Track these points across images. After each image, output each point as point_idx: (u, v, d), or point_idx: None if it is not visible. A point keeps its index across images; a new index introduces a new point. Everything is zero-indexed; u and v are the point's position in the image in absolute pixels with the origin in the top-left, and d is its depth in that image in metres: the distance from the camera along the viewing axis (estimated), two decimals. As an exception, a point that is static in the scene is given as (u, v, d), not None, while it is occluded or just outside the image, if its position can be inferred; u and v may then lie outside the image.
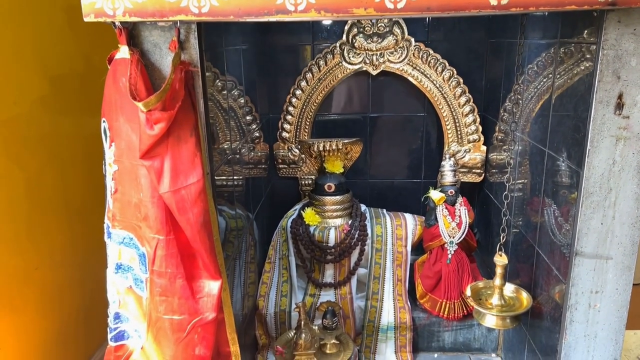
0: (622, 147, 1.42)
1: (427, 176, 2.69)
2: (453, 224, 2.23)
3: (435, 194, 2.27)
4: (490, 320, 1.79)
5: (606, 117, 1.40)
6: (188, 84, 1.43)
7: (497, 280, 1.78)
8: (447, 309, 2.23)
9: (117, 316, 1.58)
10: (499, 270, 1.77)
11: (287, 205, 2.61)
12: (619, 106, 1.39)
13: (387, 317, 2.24)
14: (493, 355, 2.30)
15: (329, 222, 2.37)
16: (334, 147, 2.34)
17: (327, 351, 2.00)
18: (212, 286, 1.53)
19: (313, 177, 2.63)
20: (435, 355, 2.30)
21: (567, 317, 1.59)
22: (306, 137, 2.61)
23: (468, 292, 1.85)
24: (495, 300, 1.80)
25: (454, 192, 2.26)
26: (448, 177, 2.28)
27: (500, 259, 1.75)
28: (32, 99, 1.94)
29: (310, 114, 2.61)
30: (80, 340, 2.29)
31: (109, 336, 1.59)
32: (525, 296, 1.82)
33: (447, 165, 2.30)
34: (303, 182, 2.71)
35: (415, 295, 2.36)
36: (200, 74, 1.45)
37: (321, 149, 2.35)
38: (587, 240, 1.51)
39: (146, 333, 1.56)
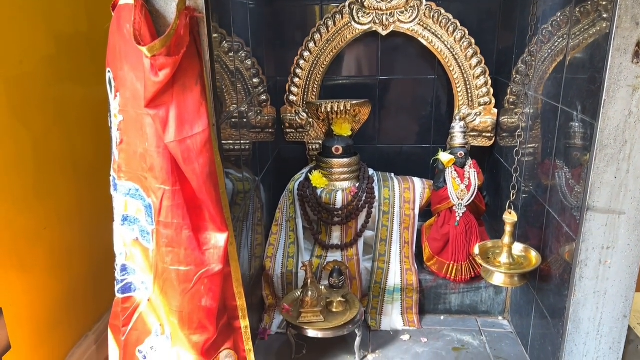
0: (638, 98, 1.38)
1: (437, 141, 2.66)
2: (462, 186, 2.21)
3: (444, 156, 2.24)
4: (498, 278, 1.77)
5: (623, 65, 1.35)
6: (193, 30, 1.40)
7: (506, 239, 1.76)
8: (454, 272, 2.22)
9: (124, 268, 1.58)
10: (508, 229, 1.74)
11: (294, 170, 2.60)
12: (637, 54, 1.34)
13: (394, 278, 2.24)
14: (500, 318, 2.29)
15: (336, 184, 2.35)
16: (342, 108, 2.31)
17: (334, 309, 2.00)
18: (218, 238, 1.52)
19: (320, 141, 2.61)
20: (442, 317, 2.30)
21: (577, 274, 1.57)
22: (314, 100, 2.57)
23: (476, 250, 1.83)
24: (503, 258, 1.78)
25: (463, 154, 2.23)
26: (458, 139, 2.25)
27: (510, 217, 1.73)
28: (38, 58, 1.91)
29: (318, 76, 2.57)
30: (90, 301, 2.31)
31: (116, 288, 1.59)
32: (534, 255, 1.80)
33: (457, 127, 2.27)
34: (310, 147, 2.68)
35: (422, 258, 2.35)
36: (205, 21, 1.42)
37: (329, 110, 2.32)
38: (599, 194, 1.48)
39: (153, 285, 1.56)
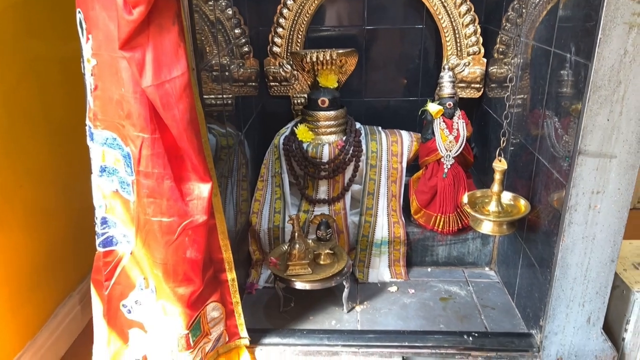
0: (634, 36, 1.33)
1: (424, 94, 2.60)
2: (450, 137, 2.17)
3: (433, 107, 2.19)
4: (487, 226, 1.76)
5: (620, 1, 1.30)
6: (168, -36, 1.31)
7: (495, 187, 1.74)
8: (441, 223, 2.20)
9: (104, 221, 1.53)
10: (497, 176, 1.72)
11: (278, 126, 2.52)
12: (635, -11, 1.29)
13: (381, 231, 2.22)
14: (486, 269, 2.30)
15: (322, 138, 2.30)
16: (327, 57, 2.23)
17: (321, 262, 1.98)
18: (202, 189, 1.47)
19: (305, 95, 2.54)
20: (429, 269, 2.30)
21: (566, 219, 1.56)
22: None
23: (465, 199, 1.81)
24: (492, 207, 1.76)
25: (452, 105, 2.19)
26: (447, 88, 2.19)
27: (500, 164, 1.70)
28: (3, 8, 1.80)
29: (303, 26, 2.47)
30: (72, 260, 2.26)
31: (97, 242, 1.54)
32: (523, 203, 1.78)
33: (445, 76, 2.21)
34: (295, 101, 2.61)
35: (409, 211, 2.33)
36: (181, -46, 1.32)
37: (314, 60, 2.24)
38: (591, 137, 1.45)
39: (135, 238, 1.52)
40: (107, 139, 1.45)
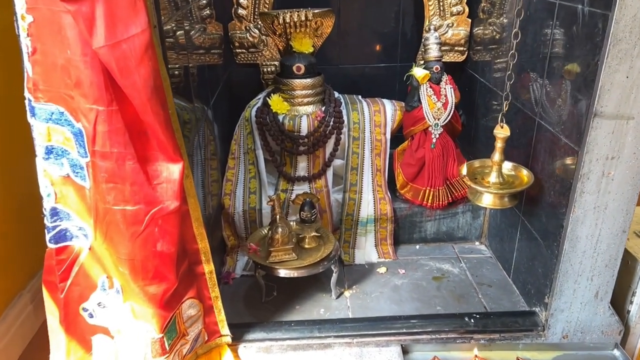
0: (661, -20, 1.18)
1: (404, 59, 2.42)
2: (439, 104, 2.01)
3: (419, 71, 2.01)
4: (487, 199, 1.62)
5: (648, -61, 1.15)
6: None
7: (496, 156, 1.59)
8: (430, 197, 2.06)
9: (55, 212, 1.28)
10: (498, 144, 1.57)
11: (247, 97, 2.28)
12: None
13: (367, 209, 2.06)
14: (477, 243, 2.19)
15: (299, 109, 2.09)
16: (302, 18, 2.01)
17: (306, 246, 1.80)
18: (171, 170, 1.25)
19: (276, 62, 2.31)
20: (417, 246, 2.17)
21: (578, 189, 1.43)
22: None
23: (464, 170, 1.66)
24: (493, 178, 1.62)
25: (439, 69, 2.01)
26: (433, 51, 2.02)
27: (502, 131, 1.55)
28: None
29: (271, -14, 2.23)
30: (19, 255, 1.99)
31: (47, 237, 1.30)
32: (525, 173, 1.65)
33: (431, 37, 2.03)
34: (265, 70, 2.38)
35: (394, 187, 2.17)
36: None
37: (287, 21, 2.01)
38: (608, 97, 1.31)
39: (93, 231, 1.28)
40: (52, 113, 1.20)
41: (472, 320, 1.66)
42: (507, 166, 1.68)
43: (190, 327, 1.48)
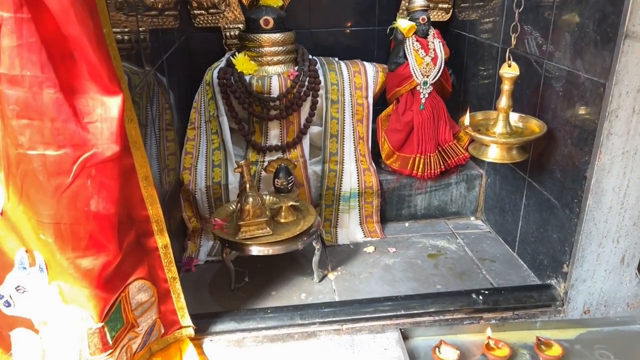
0: None
1: (382, 21, 2.18)
2: (427, 59, 1.77)
3: (403, 23, 1.78)
4: (494, 151, 1.38)
5: None
6: None
7: (503, 101, 1.36)
8: (421, 165, 1.82)
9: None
10: (506, 87, 1.34)
11: (208, 66, 2.01)
12: None
13: (350, 181, 1.80)
14: (472, 218, 1.95)
15: (268, 69, 1.82)
16: (269, -38, 1.75)
17: (282, 220, 1.52)
18: (108, 104, 0.97)
19: (240, 25, 2.04)
20: (407, 224, 1.92)
21: (605, 129, 1.21)
22: (229, -33, 1.98)
23: (467, 120, 1.42)
24: (499, 128, 1.39)
25: (426, 20, 1.79)
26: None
27: (510, 70, 1.32)
28: None
29: (232, -64, 1.97)
30: None
31: (-58, 200, 0.99)
32: (535, 122, 1.42)
33: (416, -16, 1.80)
34: (228, 34, 2.10)
35: (380, 157, 1.92)
36: None
37: (253, -36, 1.75)
38: (642, 13, 1.10)
39: (5, 188, 0.98)
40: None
41: (481, 297, 1.42)
42: (514, 117, 1.45)
43: (141, 317, 1.18)
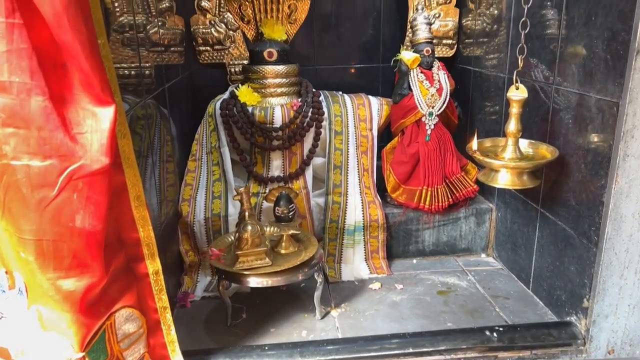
0: None
1: (386, 59, 2.18)
2: (432, 90, 1.75)
3: (407, 54, 1.77)
4: (504, 177, 1.32)
5: None
6: None
7: (512, 125, 1.31)
8: (428, 198, 1.75)
9: None
10: (514, 110, 1.30)
11: (212, 99, 2.00)
12: None
13: (354, 214, 1.73)
14: (483, 255, 1.86)
15: (271, 101, 1.80)
16: (273, -4, 1.76)
17: (282, 250, 1.44)
18: (100, 115, 0.92)
19: (245, 61, 2.04)
20: (414, 260, 1.83)
21: (620, 150, 1.15)
22: (234, 4, 2.00)
23: (474, 145, 1.37)
24: (508, 153, 1.33)
25: (430, 51, 1.78)
26: (422, 32, 1.78)
27: (517, 93, 1.28)
28: None
29: (238, -26, 2.00)
30: None
31: None
32: (546, 148, 1.37)
33: (420, 17, 1.80)
34: (232, 70, 2.11)
35: (385, 191, 1.86)
36: None
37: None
38: (655, 28, 1.07)
39: (-13, 202, 0.92)
40: None
41: (495, 335, 1.32)
42: (523, 144, 1.40)
43: (127, 350, 1.09)
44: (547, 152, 1.36)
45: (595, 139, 1.23)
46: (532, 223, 1.56)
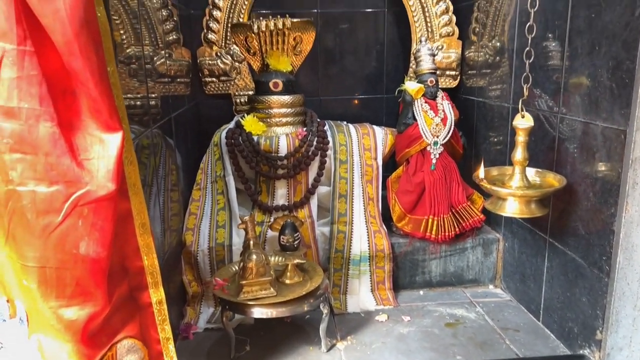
0: None
1: (390, 90, 2.21)
2: (437, 119, 1.76)
3: (411, 85, 1.78)
4: (512, 205, 1.31)
5: None
6: None
7: (519, 153, 1.30)
8: (434, 228, 1.73)
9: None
10: (520, 138, 1.29)
11: (217, 129, 2.01)
12: None
13: (360, 244, 1.71)
14: (491, 287, 1.83)
15: (276, 130, 1.81)
16: (280, 26, 1.79)
17: (287, 280, 1.42)
18: (107, 141, 0.92)
19: (250, 92, 2.06)
20: (421, 292, 1.80)
21: (629, 178, 1.14)
22: (240, 37, 2.03)
23: (481, 173, 1.36)
24: (516, 182, 1.32)
25: (434, 82, 1.79)
26: (426, 62, 1.80)
27: (523, 121, 1.28)
28: None
29: (245, 8, 2.05)
30: None
31: None
32: (553, 176, 1.36)
33: (423, 49, 1.83)
34: (238, 101, 2.13)
35: (390, 221, 1.85)
36: None
37: (262, 29, 1.79)
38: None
39: (-9, 229, 0.91)
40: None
41: (507, 368, 1.28)
42: (530, 173, 1.39)
43: (128, 382, 1.06)
44: (554, 180, 1.35)
45: (603, 168, 1.23)
46: (540, 253, 1.54)
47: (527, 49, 1.27)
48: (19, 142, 0.86)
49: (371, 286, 1.73)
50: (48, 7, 0.83)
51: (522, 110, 1.29)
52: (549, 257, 1.50)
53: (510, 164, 1.35)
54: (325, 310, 1.41)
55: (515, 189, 1.31)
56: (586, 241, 1.30)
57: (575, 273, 1.36)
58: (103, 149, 0.92)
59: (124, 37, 1.31)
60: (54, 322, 0.90)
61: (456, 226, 1.74)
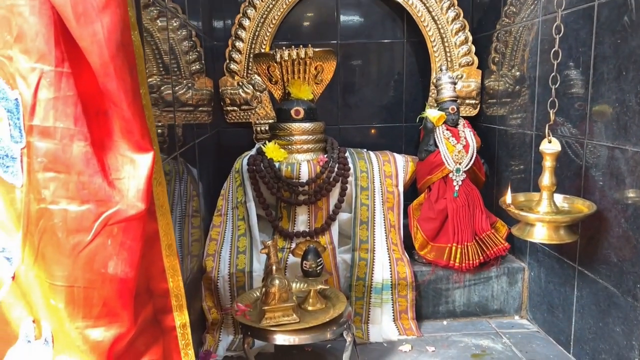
0: None
1: (409, 119, 2.22)
2: (459, 146, 1.75)
3: (432, 112, 1.79)
4: (540, 231, 1.28)
5: None
6: None
7: (546, 179, 1.29)
8: (458, 255, 1.70)
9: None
10: (548, 164, 1.28)
11: (238, 157, 2.02)
12: None
13: (382, 272, 1.68)
14: (516, 317, 1.78)
15: (297, 157, 1.82)
16: (302, 55, 1.82)
17: (310, 307, 1.39)
18: (138, 162, 0.93)
19: (271, 121, 2.08)
20: (445, 322, 1.75)
21: (663, 203, 1.12)
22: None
23: (508, 199, 1.34)
24: (543, 207, 1.30)
25: (455, 109, 1.80)
26: (447, 90, 1.81)
27: (551, 146, 1.27)
28: None
29: (266, 40, 2.09)
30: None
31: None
32: (582, 202, 1.34)
33: (444, 77, 1.84)
34: (258, 129, 2.15)
35: (412, 249, 1.82)
36: None
37: (285, 58, 1.82)
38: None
39: (22, 248, 0.92)
40: (-20, 83, 0.90)
41: (539, 401, 1.23)
42: (558, 199, 1.37)
43: (150, 409, 1.03)
44: (583, 206, 1.32)
45: (634, 193, 1.20)
46: (569, 282, 1.50)
47: (553, 74, 1.27)
48: (53, 161, 0.86)
49: (393, 315, 1.69)
50: (86, 30, 0.85)
51: (549, 135, 1.28)
52: (578, 286, 1.46)
53: (534, 191, 1.34)
54: (348, 339, 1.38)
55: (544, 214, 1.29)
56: (619, 269, 1.27)
57: (607, 302, 1.32)
58: (134, 169, 0.92)
59: (146, 67, 1.34)
60: (80, 342, 0.89)
61: (480, 254, 1.71)
